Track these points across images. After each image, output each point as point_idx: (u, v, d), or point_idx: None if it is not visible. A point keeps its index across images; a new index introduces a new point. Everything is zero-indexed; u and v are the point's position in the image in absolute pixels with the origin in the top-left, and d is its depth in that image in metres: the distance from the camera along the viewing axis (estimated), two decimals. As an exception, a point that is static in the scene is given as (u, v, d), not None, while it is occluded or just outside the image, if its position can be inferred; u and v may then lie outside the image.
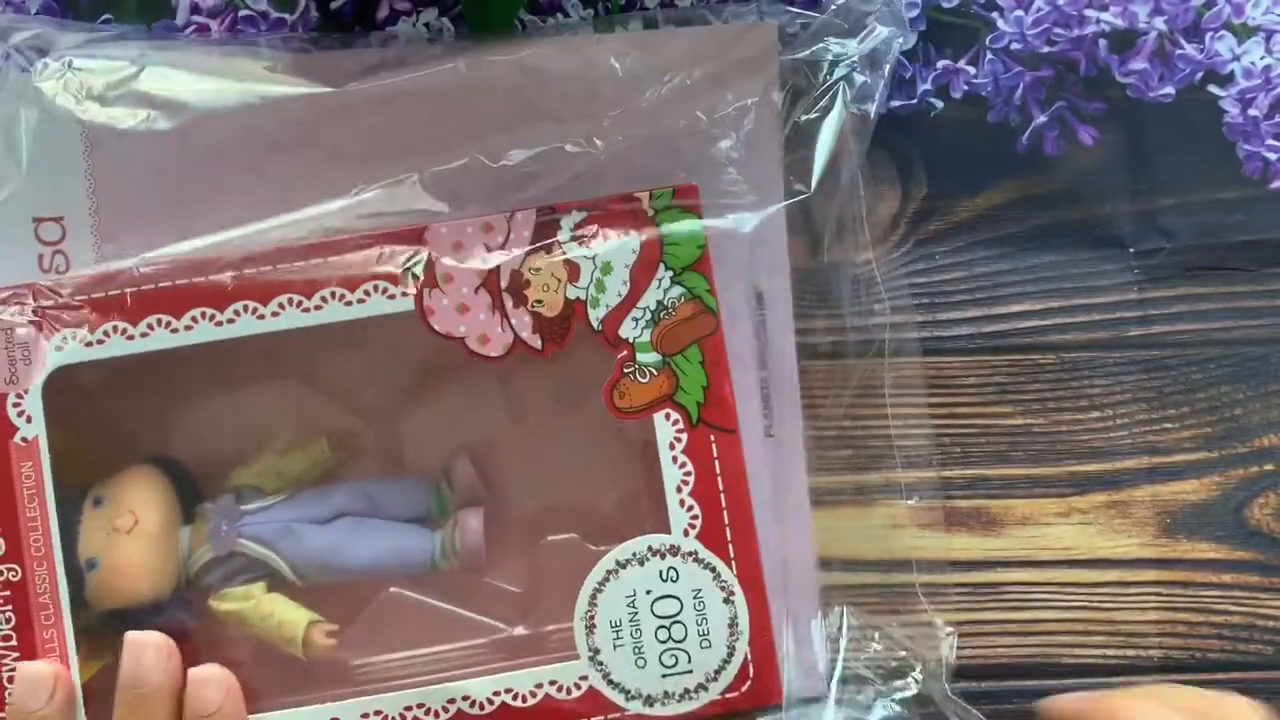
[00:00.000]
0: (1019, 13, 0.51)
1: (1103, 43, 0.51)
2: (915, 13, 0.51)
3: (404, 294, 0.43)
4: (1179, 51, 0.51)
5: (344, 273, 0.43)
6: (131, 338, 0.43)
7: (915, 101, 0.51)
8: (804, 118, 0.48)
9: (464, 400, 0.48)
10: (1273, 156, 0.51)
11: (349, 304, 0.43)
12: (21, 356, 0.43)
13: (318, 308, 0.43)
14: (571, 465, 0.48)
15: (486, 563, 0.46)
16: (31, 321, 0.43)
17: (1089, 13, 0.51)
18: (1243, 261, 0.51)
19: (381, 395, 0.48)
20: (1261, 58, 0.51)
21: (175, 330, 0.43)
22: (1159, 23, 0.51)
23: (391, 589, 0.47)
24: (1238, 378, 0.51)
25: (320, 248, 0.44)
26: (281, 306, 0.43)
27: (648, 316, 0.44)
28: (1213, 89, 0.51)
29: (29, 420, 0.43)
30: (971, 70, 0.51)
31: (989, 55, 0.51)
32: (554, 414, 0.47)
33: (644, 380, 0.44)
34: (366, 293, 0.43)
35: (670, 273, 0.44)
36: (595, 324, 0.44)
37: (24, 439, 0.43)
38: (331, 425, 0.48)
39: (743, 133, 0.47)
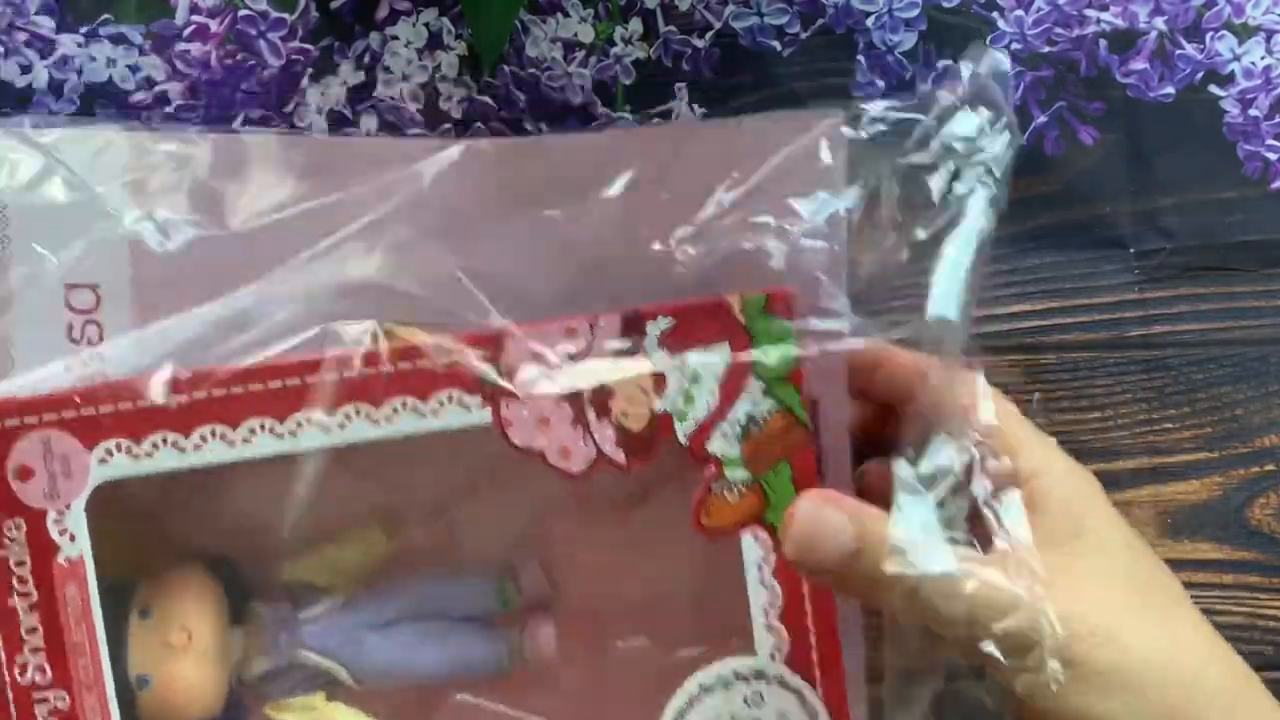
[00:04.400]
0: (1019, 12, 0.51)
1: (1103, 43, 0.51)
2: (915, 12, 0.51)
3: (481, 406, 0.40)
4: (1179, 51, 0.51)
5: (416, 381, 0.40)
6: (183, 450, 0.40)
7: (915, 102, 0.51)
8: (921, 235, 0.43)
9: (533, 496, 0.44)
10: (1273, 156, 0.51)
11: (422, 415, 0.40)
12: (62, 470, 0.39)
13: (388, 419, 0.40)
14: (645, 569, 0.45)
15: (557, 670, 0.44)
16: (72, 431, 0.39)
17: (1089, 13, 0.51)
18: (1243, 261, 0.51)
19: (443, 486, 0.45)
20: (1262, 57, 0.51)
21: (232, 443, 0.40)
22: (1159, 23, 0.51)
23: (458, 696, 0.44)
24: (1238, 378, 0.51)
25: (389, 353, 0.41)
26: (348, 417, 0.40)
27: (737, 430, 0.41)
28: (1213, 89, 0.51)
29: (72, 539, 0.39)
30: (972, 70, 0.51)
31: (989, 55, 0.51)
32: (633, 526, 0.45)
33: (732, 498, 0.41)
34: (440, 403, 0.40)
35: (762, 384, 0.41)
36: (683, 438, 0.41)
37: (68, 559, 0.39)
38: (387, 514, 0.45)
39: (836, 244, 0.43)
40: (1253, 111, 0.51)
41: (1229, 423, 0.51)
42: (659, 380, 0.41)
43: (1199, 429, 0.51)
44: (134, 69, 0.51)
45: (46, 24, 0.51)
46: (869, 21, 0.51)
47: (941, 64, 0.51)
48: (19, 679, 0.40)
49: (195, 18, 0.51)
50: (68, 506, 0.39)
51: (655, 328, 0.41)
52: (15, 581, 0.39)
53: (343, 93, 0.51)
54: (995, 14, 0.51)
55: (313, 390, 0.40)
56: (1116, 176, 0.51)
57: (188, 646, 0.42)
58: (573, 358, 0.41)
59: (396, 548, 0.45)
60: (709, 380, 0.41)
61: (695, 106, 0.51)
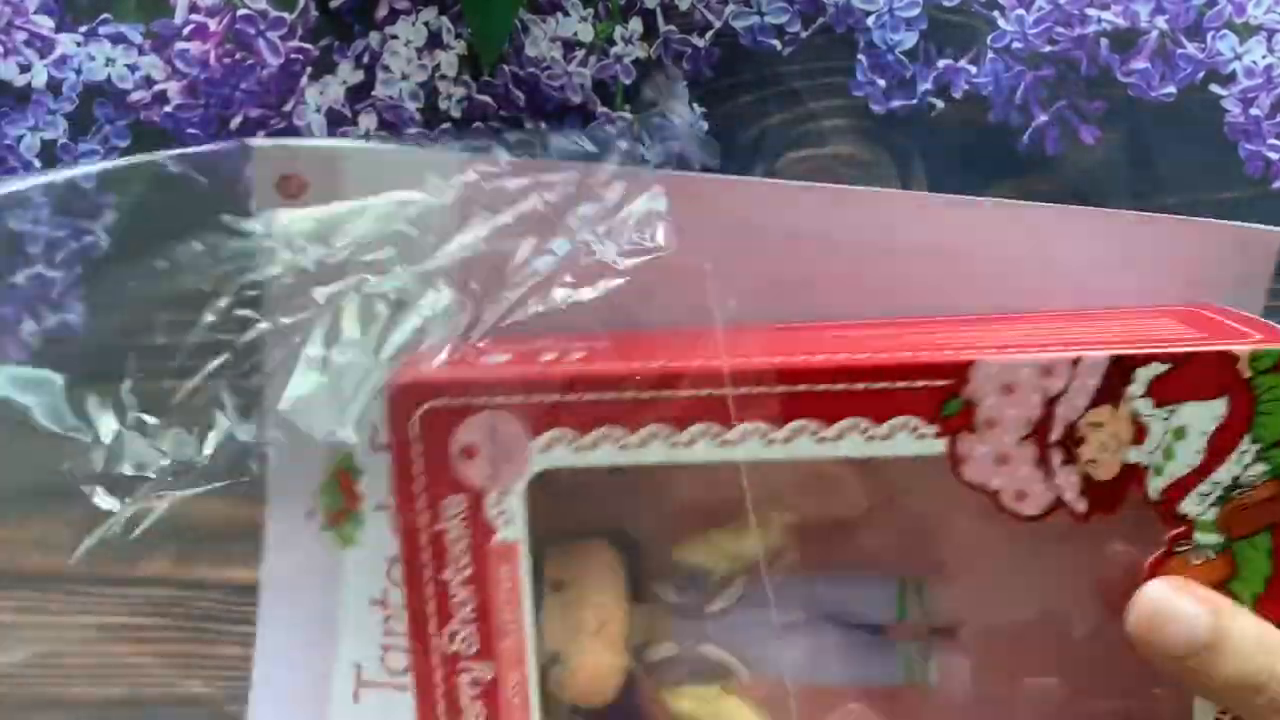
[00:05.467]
0: (1020, 11, 0.50)
1: (1104, 42, 0.51)
2: (915, 11, 0.50)
3: (935, 436, 0.38)
4: (1180, 51, 0.51)
5: (872, 402, 0.38)
6: (626, 447, 0.39)
7: (915, 101, 0.51)
8: None
9: (947, 507, 0.42)
10: (1275, 156, 0.51)
11: (870, 438, 0.38)
12: (504, 454, 0.39)
13: (835, 439, 0.38)
14: (1066, 606, 0.43)
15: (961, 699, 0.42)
16: (521, 417, 0.39)
17: (1090, 12, 0.50)
18: (1244, 261, 0.51)
19: (857, 491, 0.44)
20: (1263, 57, 0.51)
21: (674, 444, 0.38)
22: (1160, 22, 0.51)
23: (852, 704, 0.43)
24: (1239, 378, 0.51)
25: (846, 372, 0.38)
26: (794, 432, 0.38)
27: (1218, 493, 0.38)
28: (1214, 88, 0.51)
29: (508, 523, 0.40)
30: (972, 69, 0.51)
31: (990, 54, 0.51)
32: (1059, 559, 0.42)
33: (1196, 562, 0.38)
34: (892, 429, 0.38)
35: (1256, 446, 0.38)
36: (1154, 494, 0.38)
37: (503, 541, 0.40)
38: (786, 505, 0.43)
39: None
40: (1254, 111, 0.51)
41: (1230, 423, 0.51)
42: (1139, 429, 0.38)
43: (1200, 429, 0.51)
44: (133, 68, 0.51)
45: (45, 23, 0.51)
46: (869, 21, 0.51)
47: (942, 63, 0.51)
48: (448, 647, 0.40)
49: (194, 17, 0.51)
50: (507, 490, 0.39)
51: (1146, 373, 0.38)
52: (450, 557, 0.40)
53: (342, 92, 0.51)
54: (996, 13, 0.51)
55: (764, 402, 0.38)
56: (1117, 176, 0.51)
57: (599, 630, 0.42)
58: (1048, 398, 0.38)
59: (794, 543, 0.44)
60: (1196, 436, 0.38)
61: (695, 106, 0.51)
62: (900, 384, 0.38)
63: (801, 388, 0.38)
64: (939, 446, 0.38)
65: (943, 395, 0.38)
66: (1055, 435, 0.38)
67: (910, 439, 0.38)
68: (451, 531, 0.40)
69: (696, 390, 0.38)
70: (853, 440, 0.38)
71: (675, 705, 0.43)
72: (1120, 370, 0.38)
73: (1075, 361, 0.38)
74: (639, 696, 0.43)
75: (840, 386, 0.38)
